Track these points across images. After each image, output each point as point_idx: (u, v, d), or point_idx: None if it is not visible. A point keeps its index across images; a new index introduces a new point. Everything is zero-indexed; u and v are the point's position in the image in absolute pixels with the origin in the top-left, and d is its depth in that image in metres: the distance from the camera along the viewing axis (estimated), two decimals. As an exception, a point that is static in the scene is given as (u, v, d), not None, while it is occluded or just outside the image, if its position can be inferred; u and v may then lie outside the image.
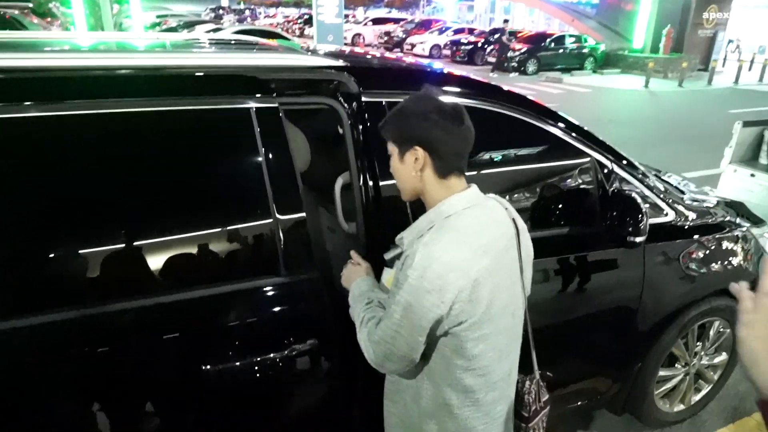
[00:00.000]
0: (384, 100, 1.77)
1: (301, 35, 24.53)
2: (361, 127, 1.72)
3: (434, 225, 1.23)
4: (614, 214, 2.05)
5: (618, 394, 2.44)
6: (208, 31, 13.61)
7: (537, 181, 2.12)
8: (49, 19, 16.43)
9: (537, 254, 2.03)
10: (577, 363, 2.29)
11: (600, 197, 2.12)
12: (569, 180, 2.17)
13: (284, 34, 16.18)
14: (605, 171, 2.14)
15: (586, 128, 2.16)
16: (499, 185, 2.06)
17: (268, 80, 1.61)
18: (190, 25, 16.34)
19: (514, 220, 1.35)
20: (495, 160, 2.07)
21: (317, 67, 1.74)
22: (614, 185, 2.13)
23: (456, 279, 1.15)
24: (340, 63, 1.78)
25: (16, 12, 13.14)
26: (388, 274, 1.39)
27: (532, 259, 1.44)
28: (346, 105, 1.74)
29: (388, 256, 1.35)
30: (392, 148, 1.30)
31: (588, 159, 2.12)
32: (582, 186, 2.16)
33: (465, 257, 1.17)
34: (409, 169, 1.25)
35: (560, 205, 2.16)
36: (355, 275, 1.49)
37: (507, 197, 2.09)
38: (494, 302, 1.23)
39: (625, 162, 2.24)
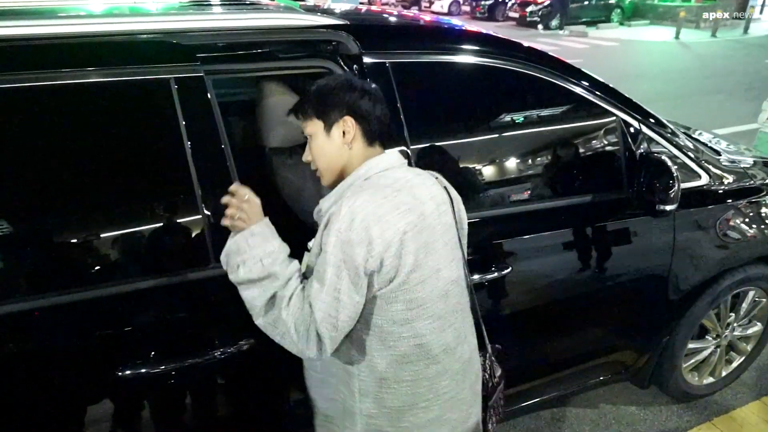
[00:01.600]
0: (387, 61, 1.64)
1: (317, -5, 23.96)
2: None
3: (354, 185, 1.22)
4: (642, 179, 1.90)
5: (644, 367, 2.34)
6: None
7: (558, 144, 1.97)
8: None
9: (559, 224, 1.95)
10: (601, 335, 2.18)
11: (627, 160, 1.96)
12: (593, 142, 2.01)
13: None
14: (632, 131, 1.98)
15: (611, 85, 2.00)
16: (518, 148, 1.92)
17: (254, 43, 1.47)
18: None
19: (446, 188, 1.32)
20: (514, 121, 1.93)
21: (312, 26, 1.59)
22: (642, 147, 1.97)
23: (382, 231, 1.12)
24: (338, 22, 1.63)
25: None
26: (306, 258, 1.26)
27: (466, 230, 1.41)
28: (345, 68, 1.60)
29: (313, 242, 1.23)
30: (314, 128, 1.25)
31: (613, 118, 1.97)
32: (607, 148, 2.00)
33: (388, 210, 1.14)
34: (338, 144, 1.24)
35: (583, 170, 2.01)
36: (252, 216, 1.17)
37: (528, 161, 1.96)
38: (425, 263, 1.18)
39: (653, 121, 2.06)
